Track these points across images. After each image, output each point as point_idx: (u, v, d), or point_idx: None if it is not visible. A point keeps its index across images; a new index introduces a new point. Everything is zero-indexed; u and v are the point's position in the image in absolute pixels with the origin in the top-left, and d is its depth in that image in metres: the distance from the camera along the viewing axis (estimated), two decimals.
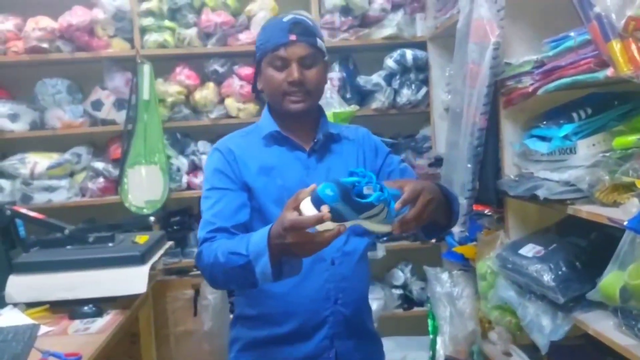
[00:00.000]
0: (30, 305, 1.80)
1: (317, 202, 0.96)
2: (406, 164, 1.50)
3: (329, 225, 0.96)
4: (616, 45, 1.01)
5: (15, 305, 1.79)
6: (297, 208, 1.00)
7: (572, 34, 1.40)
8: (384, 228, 1.05)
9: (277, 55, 1.32)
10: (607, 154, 1.42)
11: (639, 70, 1.00)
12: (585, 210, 1.40)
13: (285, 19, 1.35)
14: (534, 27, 1.76)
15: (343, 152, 1.45)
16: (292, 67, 1.31)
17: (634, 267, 1.13)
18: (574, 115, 1.54)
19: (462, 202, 1.93)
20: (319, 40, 1.35)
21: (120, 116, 2.79)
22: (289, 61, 1.31)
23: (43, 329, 1.64)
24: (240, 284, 1.24)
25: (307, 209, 0.97)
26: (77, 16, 2.69)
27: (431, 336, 2.47)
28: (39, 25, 2.67)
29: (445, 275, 2.44)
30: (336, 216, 0.96)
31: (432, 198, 1.07)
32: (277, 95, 1.34)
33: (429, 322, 2.50)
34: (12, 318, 1.71)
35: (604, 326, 1.41)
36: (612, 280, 1.22)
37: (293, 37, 1.31)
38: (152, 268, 1.89)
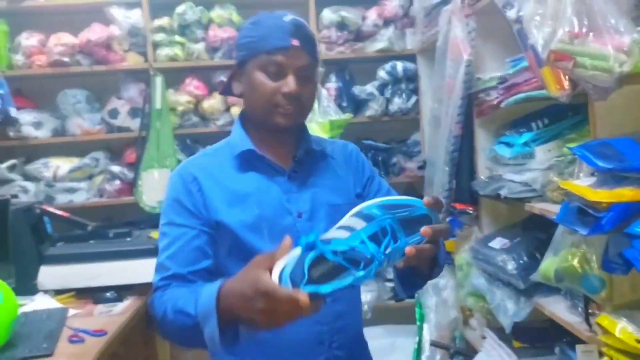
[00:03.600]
0: (58, 292, 1.98)
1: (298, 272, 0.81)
2: (393, 191, 1.34)
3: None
4: (546, 71, 1.24)
5: (45, 292, 1.97)
6: (271, 269, 0.84)
7: (525, 54, 1.62)
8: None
9: (273, 59, 1.10)
10: (560, 159, 1.61)
11: (564, 92, 1.22)
12: (538, 207, 1.58)
13: (285, 18, 1.13)
14: (502, 47, 1.93)
15: (328, 172, 1.23)
16: (289, 77, 1.11)
17: (563, 253, 1.34)
18: (533, 124, 1.74)
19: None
20: (318, 52, 1.18)
21: (135, 124, 2.94)
22: (286, 69, 1.11)
23: (71, 311, 1.82)
24: (194, 344, 1.02)
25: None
26: (95, 32, 2.85)
27: (418, 323, 2.66)
28: (61, 41, 2.84)
29: None
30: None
31: (447, 232, 0.93)
32: (263, 105, 1.13)
33: (417, 310, 2.68)
34: (44, 303, 1.89)
35: (557, 307, 1.58)
36: (548, 264, 1.43)
37: (296, 43, 1.10)
38: None
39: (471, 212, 2.29)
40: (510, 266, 1.76)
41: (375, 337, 2.86)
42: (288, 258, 0.83)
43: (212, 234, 1.14)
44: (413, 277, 1.08)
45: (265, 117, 1.15)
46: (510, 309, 1.79)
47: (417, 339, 2.65)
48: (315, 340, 1.15)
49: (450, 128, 2.06)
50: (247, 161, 1.18)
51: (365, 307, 2.92)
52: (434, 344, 2.48)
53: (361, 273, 0.82)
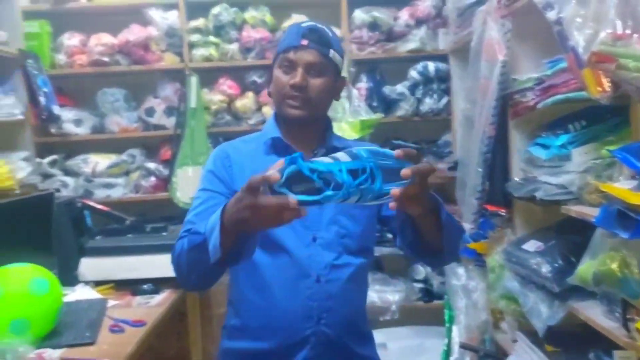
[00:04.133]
0: (98, 283, 2.05)
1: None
2: None
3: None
4: (586, 73, 1.24)
5: (86, 283, 2.04)
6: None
7: (565, 56, 1.61)
8: (372, 203, 0.97)
9: (286, 57, 1.27)
10: (597, 161, 1.59)
11: (605, 93, 1.22)
12: (575, 210, 1.57)
13: (303, 24, 1.30)
14: (538, 47, 1.92)
15: None
16: (297, 71, 1.25)
17: (602, 256, 1.34)
18: (570, 126, 1.73)
19: (473, 202, 2.15)
20: (332, 52, 1.28)
21: (170, 122, 3.01)
22: (296, 65, 1.26)
23: (111, 302, 1.88)
24: (198, 269, 1.14)
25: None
26: (134, 33, 2.93)
27: (447, 325, 2.66)
28: (101, 41, 2.93)
29: (461, 270, 2.64)
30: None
31: (429, 171, 0.96)
32: (279, 97, 1.28)
33: (446, 312, 2.68)
34: (84, 293, 1.96)
35: (593, 312, 1.54)
36: (586, 267, 1.42)
37: (304, 42, 1.25)
38: None
39: (503, 214, 2.29)
40: (545, 269, 1.74)
41: (403, 338, 2.88)
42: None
43: None
44: (423, 232, 1.13)
45: (280, 108, 1.30)
46: (544, 313, 1.78)
47: (446, 340, 2.65)
48: (305, 314, 1.26)
49: (484, 129, 2.06)
50: (274, 148, 1.32)
51: (393, 307, 2.93)
52: (463, 346, 2.47)
53: (329, 192, 0.88)
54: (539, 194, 1.74)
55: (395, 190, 0.93)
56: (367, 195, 0.93)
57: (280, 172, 0.89)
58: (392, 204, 0.96)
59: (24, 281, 1.50)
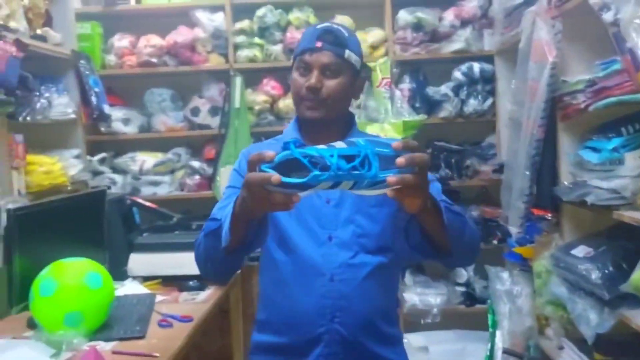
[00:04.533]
0: (145, 278, 2.09)
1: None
2: (445, 198, 1.24)
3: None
4: None
5: (134, 278, 2.09)
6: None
7: (618, 58, 1.57)
8: (370, 192, 0.96)
9: (302, 59, 1.28)
10: None
11: None
12: (628, 215, 1.55)
13: (318, 26, 1.32)
14: (589, 49, 1.90)
15: None
16: (312, 73, 1.26)
17: None
18: (623, 129, 1.70)
19: (520, 206, 2.12)
20: (348, 52, 1.28)
21: (215, 121, 3.04)
22: (311, 67, 1.27)
23: (158, 297, 1.92)
24: (213, 256, 1.19)
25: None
26: (181, 35, 2.98)
27: (490, 330, 2.63)
28: (150, 42, 2.99)
29: (505, 274, 2.60)
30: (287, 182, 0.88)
31: (424, 160, 0.94)
32: (296, 99, 1.31)
33: (489, 317, 2.65)
34: (133, 288, 2.01)
35: None
36: None
37: (319, 44, 1.26)
38: None
39: (550, 218, 2.25)
40: (595, 275, 1.71)
41: (445, 342, 2.86)
42: None
43: None
44: (428, 232, 1.12)
45: (298, 110, 1.32)
46: (593, 320, 1.75)
47: (488, 345, 2.62)
48: (318, 311, 1.28)
49: (532, 131, 2.03)
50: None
51: (434, 310, 2.91)
52: (506, 351, 2.45)
53: (316, 172, 0.87)
54: (590, 199, 1.71)
55: (391, 177, 0.91)
56: (362, 182, 0.91)
57: (271, 164, 0.89)
58: (389, 192, 0.93)
59: (80, 275, 1.55)
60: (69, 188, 2.43)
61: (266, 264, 1.38)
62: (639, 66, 1.20)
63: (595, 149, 1.79)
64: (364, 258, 1.30)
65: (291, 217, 1.27)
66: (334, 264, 1.29)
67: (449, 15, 3.02)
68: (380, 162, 0.92)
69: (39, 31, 2.45)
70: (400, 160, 0.91)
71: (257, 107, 3.07)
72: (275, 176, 0.87)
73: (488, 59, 2.99)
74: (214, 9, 3.03)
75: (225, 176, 2.99)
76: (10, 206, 1.68)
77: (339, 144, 0.93)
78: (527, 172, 2.08)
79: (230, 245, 1.09)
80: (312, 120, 1.30)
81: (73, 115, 2.63)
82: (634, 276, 1.44)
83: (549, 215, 2.25)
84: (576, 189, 1.86)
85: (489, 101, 3.01)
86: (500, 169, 2.85)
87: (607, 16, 1.32)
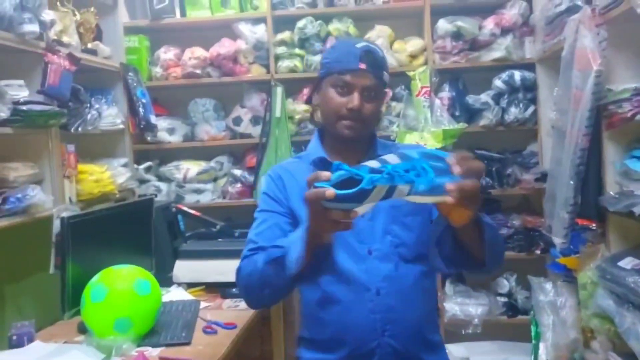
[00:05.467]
0: (190, 285, 2.15)
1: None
2: None
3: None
4: None
5: (179, 284, 2.16)
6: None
7: None
8: (427, 199, 0.95)
9: (342, 79, 1.29)
10: None
11: None
12: None
13: (358, 45, 1.31)
14: (636, 56, 1.87)
15: None
16: (354, 95, 1.28)
17: None
18: None
19: (564, 216, 2.08)
20: (385, 74, 1.32)
21: (256, 130, 3.09)
22: (353, 88, 1.28)
23: (202, 304, 1.97)
24: (274, 283, 1.20)
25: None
26: (224, 47, 3.04)
27: (533, 342, 2.58)
28: (194, 54, 3.06)
29: (549, 285, 2.55)
30: (341, 199, 0.88)
31: (480, 169, 0.96)
32: (332, 116, 1.31)
33: (532, 328, 2.60)
34: (178, 294, 2.07)
35: None
36: None
37: (363, 66, 1.28)
38: None
39: (594, 228, 2.20)
40: None
41: (487, 353, 2.82)
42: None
43: (291, 221, 1.33)
44: (464, 244, 1.13)
45: (333, 127, 1.33)
46: None
47: (531, 357, 2.58)
48: (368, 326, 1.29)
49: (577, 140, 1.99)
50: (320, 166, 1.32)
51: (475, 321, 2.88)
52: None
53: (370, 175, 0.87)
54: (637, 209, 1.67)
55: (450, 184, 0.92)
56: (419, 186, 0.90)
57: (329, 183, 0.89)
58: (449, 198, 0.93)
59: (129, 282, 1.61)
60: (117, 196, 2.51)
61: (308, 284, 1.35)
62: None
63: None
64: (405, 268, 1.31)
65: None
66: (377, 277, 1.29)
67: (489, 24, 3.00)
68: (436, 173, 0.92)
69: (89, 45, 2.56)
70: (457, 168, 0.93)
71: (297, 117, 3.11)
72: (329, 190, 0.88)
73: (529, 67, 2.96)
74: (256, 21, 3.09)
75: None
76: (65, 214, 1.75)
77: (392, 158, 0.94)
78: (572, 182, 2.05)
79: (300, 271, 1.10)
80: (348, 139, 1.32)
81: (121, 126, 2.72)
82: None
83: (594, 225, 2.20)
84: (623, 199, 1.82)
85: (531, 109, 2.97)
86: (542, 177, 2.80)
87: None
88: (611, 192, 1.93)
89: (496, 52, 3.00)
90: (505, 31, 3.01)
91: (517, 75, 2.94)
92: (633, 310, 1.77)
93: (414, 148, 1.06)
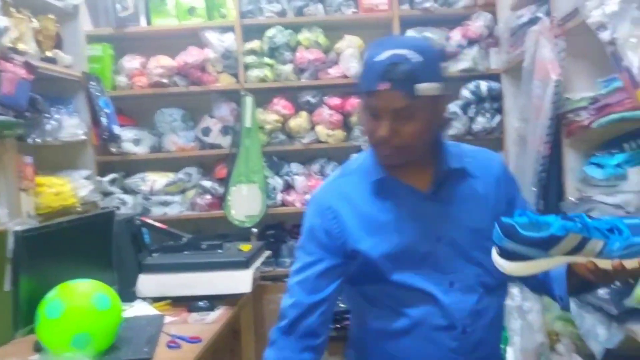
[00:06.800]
0: (155, 299, 2.09)
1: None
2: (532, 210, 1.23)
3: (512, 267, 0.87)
4: None
5: (143, 299, 2.09)
6: None
7: (619, 75, 1.58)
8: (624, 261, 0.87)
9: (369, 101, 1.10)
10: None
11: None
12: None
13: (380, 57, 1.06)
14: (593, 67, 1.89)
15: (469, 192, 1.17)
16: (382, 120, 1.08)
17: None
18: (626, 145, 1.70)
19: None
20: (423, 87, 1.04)
21: (226, 141, 3.06)
22: (380, 112, 1.08)
23: (167, 318, 1.92)
24: None
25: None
26: (191, 55, 3.01)
27: (502, 346, 2.60)
28: (160, 63, 3.02)
29: (516, 290, 2.58)
30: (512, 255, 0.85)
31: None
32: (369, 142, 1.15)
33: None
34: (142, 309, 2.01)
35: None
36: None
37: (384, 87, 1.05)
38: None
39: None
40: (602, 290, 1.70)
41: None
42: None
43: (343, 263, 1.17)
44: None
45: (374, 152, 1.17)
46: (601, 335, 1.74)
47: None
48: None
49: (538, 148, 2.03)
50: (383, 187, 1.17)
51: None
52: None
53: (562, 222, 0.84)
54: (594, 214, 1.69)
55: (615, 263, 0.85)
56: (614, 243, 0.84)
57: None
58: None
59: (87, 296, 1.56)
60: (78, 209, 2.46)
61: (369, 309, 1.21)
62: (636, 84, 1.20)
63: (599, 165, 1.79)
64: (488, 301, 1.15)
65: (403, 268, 1.14)
66: (462, 313, 1.12)
67: (456, 35, 3.04)
68: (632, 231, 0.86)
69: (49, 53, 2.50)
70: None
71: (268, 127, 3.09)
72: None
73: (495, 77, 3.00)
74: (224, 29, 3.08)
75: (236, 195, 3.01)
76: (18, 228, 1.70)
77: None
78: (534, 189, 2.08)
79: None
80: (389, 166, 1.15)
81: (83, 137, 2.67)
82: (637, 290, 1.43)
83: None
84: (582, 204, 1.85)
85: (497, 118, 3.01)
86: None
87: (604, 35, 1.33)
88: (571, 198, 1.96)
89: (463, 63, 3.04)
90: (471, 42, 3.05)
91: (484, 85, 2.99)
92: (593, 312, 1.80)
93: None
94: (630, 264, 0.85)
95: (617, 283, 0.98)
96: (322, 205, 1.19)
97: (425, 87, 1.05)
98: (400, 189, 1.16)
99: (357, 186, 1.19)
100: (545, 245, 0.83)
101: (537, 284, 1.19)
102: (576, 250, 0.83)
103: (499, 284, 1.18)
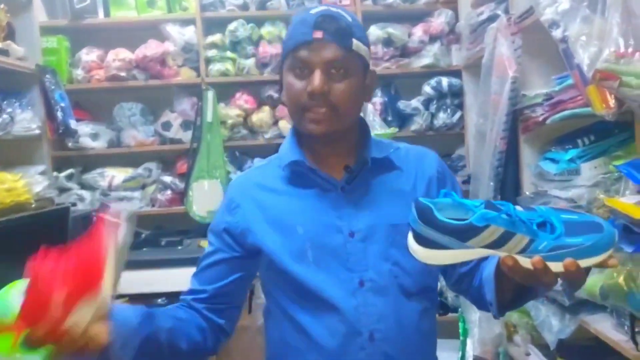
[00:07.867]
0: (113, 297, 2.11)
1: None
2: None
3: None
4: (591, 90, 1.25)
5: None
6: None
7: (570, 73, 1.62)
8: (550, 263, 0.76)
9: (297, 56, 1.00)
10: (606, 175, 1.60)
11: (610, 110, 1.23)
12: None
13: (313, 11, 1.01)
14: (548, 64, 1.94)
15: (392, 185, 1.07)
16: (314, 73, 0.98)
17: (609, 270, 1.34)
18: (579, 141, 1.74)
19: None
20: (356, 42, 0.99)
21: (187, 136, 3.02)
22: (311, 66, 0.99)
23: None
24: None
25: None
26: (151, 49, 2.96)
27: (461, 338, 2.65)
28: (119, 56, 2.95)
29: None
30: (426, 242, 0.75)
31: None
32: (295, 109, 1.02)
33: (460, 325, 2.67)
34: None
35: (603, 326, 1.56)
36: (594, 281, 1.42)
37: (318, 35, 0.97)
38: None
39: None
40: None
41: None
42: None
43: (240, 257, 1.10)
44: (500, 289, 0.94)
45: (299, 124, 1.05)
46: (555, 326, 1.79)
47: (460, 354, 2.64)
48: None
49: (495, 143, 2.06)
50: (297, 174, 1.07)
51: None
52: (477, 359, 2.46)
53: (483, 210, 0.72)
54: None
55: (570, 261, 0.74)
56: (541, 242, 0.73)
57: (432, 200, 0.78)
58: (596, 266, 0.79)
59: None
60: (33, 205, 2.38)
61: (279, 323, 1.10)
62: (586, 81, 1.24)
63: (554, 160, 1.83)
64: (410, 307, 1.03)
65: (309, 264, 1.03)
66: (371, 317, 1.00)
67: (418, 31, 3.07)
68: (566, 231, 0.75)
69: (0, 45, 2.42)
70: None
71: (230, 121, 3.06)
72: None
73: (456, 73, 3.04)
74: (185, 22, 3.03)
75: (197, 191, 2.97)
76: None
77: (517, 208, 0.78)
78: (492, 183, 2.12)
79: None
80: (318, 136, 1.03)
81: (37, 131, 2.59)
82: (587, 283, 1.47)
83: None
84: (537, 198, 1.90)
85: (458, 114, 3.06)
86: (469, 179, 2.88)
87: (556, 33, 1.37)
88: (527, 192, 2.01)
89: (425, 59, 3.07)
90: (433, 39, 3.09)
91: (445, 81, 3.03)
92: (547, 304, 1.86)
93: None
94: (555, 267, 0.75)
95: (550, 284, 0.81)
96: (227, 198, 1.13)
97: (358, 44, 1.01)
98: (314, 176, 1.06)
99: (269, 175, 1.11)
100: (462, 235, 0.73)
101: (476, 294, 1.06)
102: (497, 244, 0.73)
103: (422, 288, 1.05)
